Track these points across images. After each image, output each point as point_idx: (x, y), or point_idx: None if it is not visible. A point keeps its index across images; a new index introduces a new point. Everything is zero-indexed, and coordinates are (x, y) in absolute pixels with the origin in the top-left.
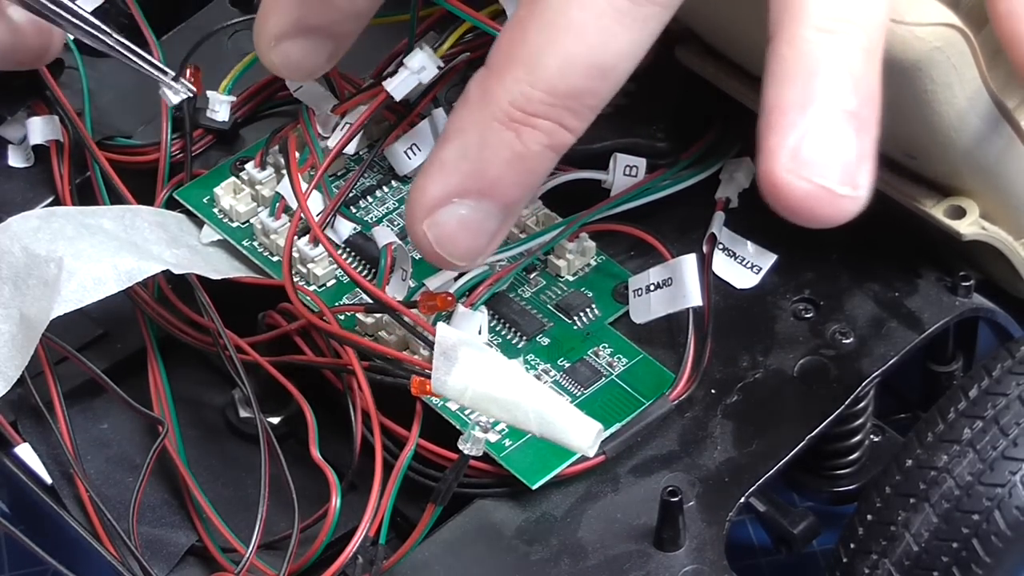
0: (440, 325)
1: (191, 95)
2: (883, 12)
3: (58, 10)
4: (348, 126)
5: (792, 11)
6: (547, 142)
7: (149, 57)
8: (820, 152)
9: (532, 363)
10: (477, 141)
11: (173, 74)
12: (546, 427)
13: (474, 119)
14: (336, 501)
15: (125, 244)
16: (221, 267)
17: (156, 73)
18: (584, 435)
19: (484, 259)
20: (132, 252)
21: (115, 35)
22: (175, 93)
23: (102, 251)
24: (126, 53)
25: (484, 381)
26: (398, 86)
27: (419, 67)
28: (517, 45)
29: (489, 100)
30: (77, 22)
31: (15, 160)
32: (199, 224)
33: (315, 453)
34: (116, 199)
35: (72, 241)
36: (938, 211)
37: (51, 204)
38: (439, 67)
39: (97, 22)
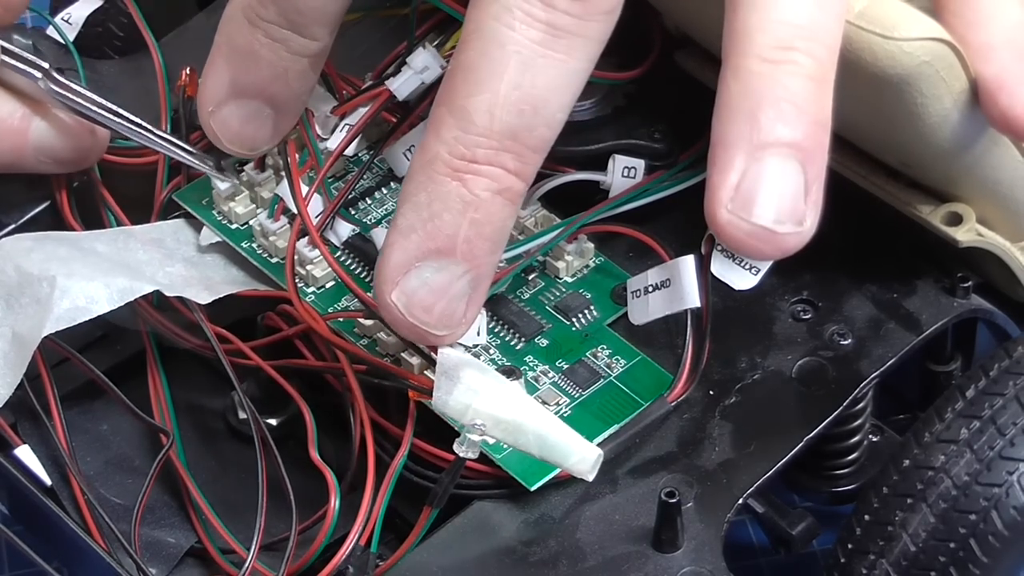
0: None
1: (236, 181)
2: (834, 34)
3: (99, 110)
4: (348, 127)
5: (738, 41)
6: (495, 187)
7: (191, 148)
8: (759, 191)
9: (531, 364)
10: (426, 198)
11: (213, 161)
12: (547, 450)
13: (420, 179)
14: (335, 502)
15: (118, 265)
16: (216, 278)
17: (197, 163)
18: (584, 460)
19: (464, 328)
20: (125, 273)
21: (156, 131)
22: (221, 181)
23: (95, 271)
24: (168, 145)
25: (486, 403)
26: (401, 86)
27: (422, 67)
28: (448, 97)
29: (430, 156)
30: (119, 120)
31: None
32: (197, 227)
33: (314, 454)
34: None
35: (65, 261)
36: (935, 218)
37: (48, 207)
38: (442, 66)
39: (137, 119)
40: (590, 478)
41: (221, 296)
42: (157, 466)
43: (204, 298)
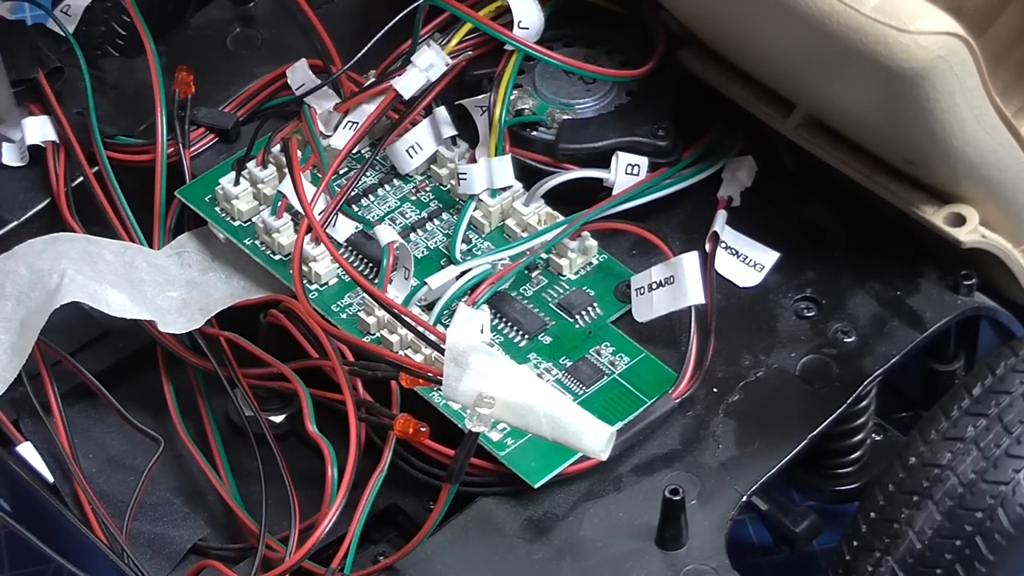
0: (450, 332)
1: None
2: None
3: None
4: (351, 124)
5: None
6: None
7: None
8: None
9: (534, 362)
10: None
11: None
12: (558, 431)
13: None
14: (332, 472)
15: (123, 280)
16: (216, 295)
17: None
18: (597, 439)
19: None
20: (127, 290)
21: None
22: None
23: (101, 277)
24: None
25: (496, 386)
26: (407, 84)
27: (427, 65)
28: None
29: None
30: None
31: (9, 158)
32: (200, 241)
33: (310, 427)
34: (113, 199)
35: (75, 261)
36: (938, 218)
37: (48, 205)
38: (447, 64)
39: None
40: (604, 456)
41: (212, 316)
42: (147, 472)
43: (199, 321)
